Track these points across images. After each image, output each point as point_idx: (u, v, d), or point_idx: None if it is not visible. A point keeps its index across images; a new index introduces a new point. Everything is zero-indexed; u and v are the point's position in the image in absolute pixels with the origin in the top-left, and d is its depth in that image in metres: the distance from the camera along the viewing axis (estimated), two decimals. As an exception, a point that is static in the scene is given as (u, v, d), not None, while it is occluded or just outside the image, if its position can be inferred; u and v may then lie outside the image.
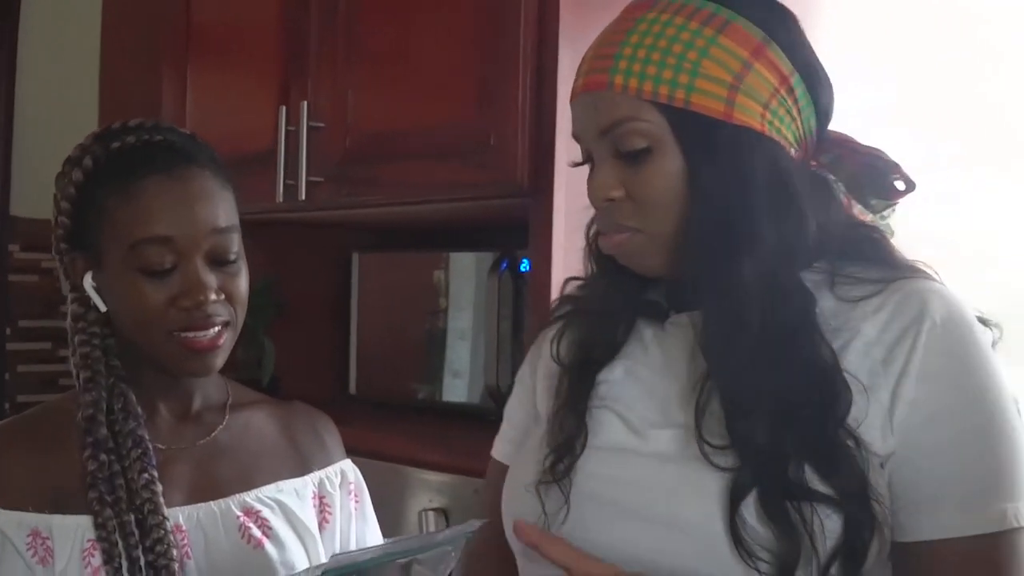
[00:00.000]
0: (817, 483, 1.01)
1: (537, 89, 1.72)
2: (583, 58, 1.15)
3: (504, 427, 1.33)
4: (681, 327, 1.17)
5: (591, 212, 1.25)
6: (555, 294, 1.36)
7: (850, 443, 1.02)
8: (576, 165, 1.18)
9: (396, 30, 1.96)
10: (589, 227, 1.23)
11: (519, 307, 1.98)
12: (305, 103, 2.07)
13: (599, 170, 1.12)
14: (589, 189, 1.12)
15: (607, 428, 1.15)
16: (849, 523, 1.01)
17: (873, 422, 1.04)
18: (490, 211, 1.95)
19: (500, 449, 1.32)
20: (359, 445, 1.50)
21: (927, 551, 1.05)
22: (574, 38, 1.69)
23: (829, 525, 1.00)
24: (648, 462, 1.11)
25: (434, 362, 2.21)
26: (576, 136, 1.16)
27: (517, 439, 1.29)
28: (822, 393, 1.04)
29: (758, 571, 1.01)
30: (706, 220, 1.08)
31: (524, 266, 1.92)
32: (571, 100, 1.16)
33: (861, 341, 1.07)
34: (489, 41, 1.78)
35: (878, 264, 1.12)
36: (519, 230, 1.79)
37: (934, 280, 1.13)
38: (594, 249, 1.24)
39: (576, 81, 1.14)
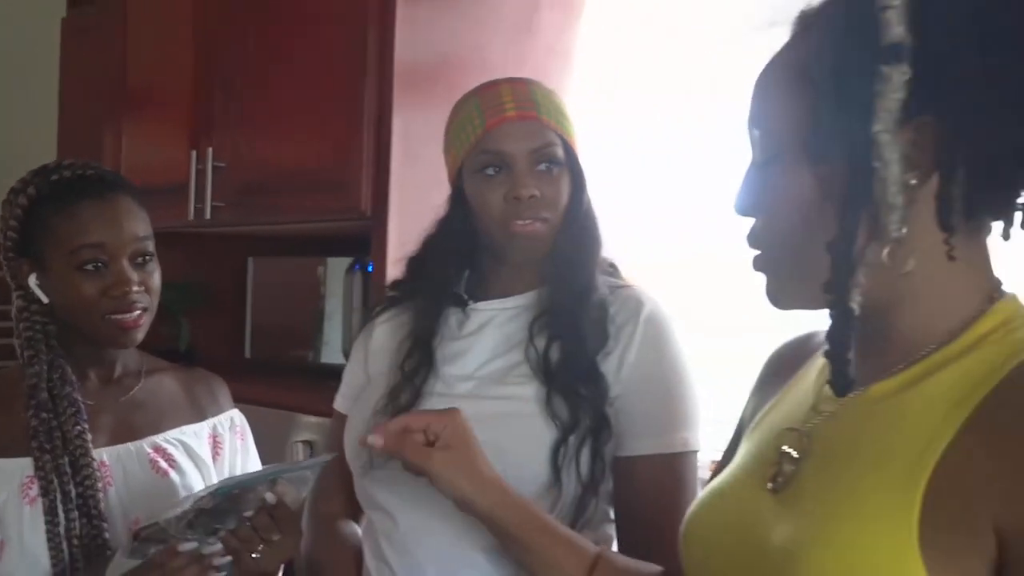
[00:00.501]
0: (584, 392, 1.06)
1: (377, 143, 1.71)
2: (495, 101, 1.12)
3: (342, 387, 1.30)
4: (479, 312, 1.17)
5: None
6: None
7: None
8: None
9: (275, 98, 1.92)
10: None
11: (367, 296, 1.95)
12: (211, 148, 2.01)
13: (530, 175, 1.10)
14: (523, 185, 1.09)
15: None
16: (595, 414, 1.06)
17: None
18: (348, 229, 1.92)
19: (340, 403, 1.30)
20: (251, 396, 1.46)
21: (632, 464, 1.08)
22: (402, 108, 1.70)
23: (589, 415, 1.05)
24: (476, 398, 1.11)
25: (312, 334, 2.16)
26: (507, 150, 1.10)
27: (352, 395, 1.26)
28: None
29: (556, 428, 1.05)
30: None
31: (370, 267, 1.89)
32: (500, 124, 1.11)
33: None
34: (343, 109, 1.75)
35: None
36: (367, 242, 1.77)
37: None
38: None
39: (506, 113, 1.11)
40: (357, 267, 2.01)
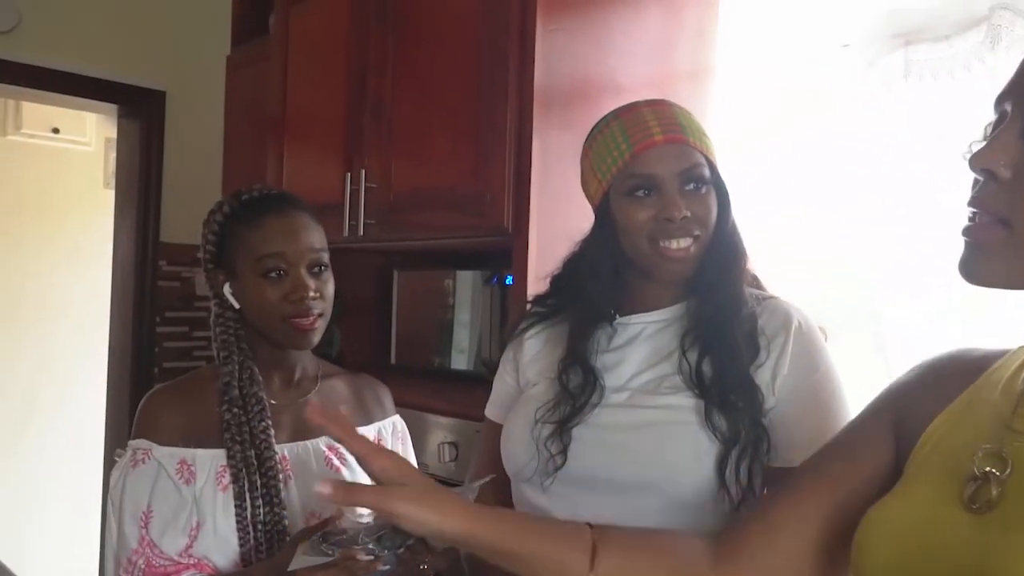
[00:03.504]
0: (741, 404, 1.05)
1: (517, 163, 1.74)
2: (641, 126, 1.12)
3: (493, 396, 1.31)
4: (628, 326, 1.17)
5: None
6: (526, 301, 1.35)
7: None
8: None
9: (422, 122, 1.98)
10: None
11: (504, 308, 2.00)
12: (363, 170, 2.09)
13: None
14: (675, 207, 1.08)
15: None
16: (754, 426, 1.05)
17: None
18: (486, 244, 1.96)
19: (491, 412, 1.30)
20: (395, 398, 1.52)
21: (788, 474, 1.04)
22: (541, 129, 1.73)
23: (747, 427, 1.04)
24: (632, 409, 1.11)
25: (446, 342, 2.22)
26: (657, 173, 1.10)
27: (504, 404, 1.27)
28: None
29: (717, 439, 1.04)
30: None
31: (508, 280, 1.93)
32: (648, 148, 1.11)
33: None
34: (486, 131, 1.79)
35: None
36: (505, 256, 1.80)
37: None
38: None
39: (654, 137, 1.10)
40: (495, 280, 2.06)
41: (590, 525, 0.86)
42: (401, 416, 1.45)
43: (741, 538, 0.85)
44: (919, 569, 0.68)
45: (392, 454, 0.87)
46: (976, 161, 0.65)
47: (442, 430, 1.93)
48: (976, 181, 0.67)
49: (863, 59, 1.72)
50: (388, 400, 1.43)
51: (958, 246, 0.69)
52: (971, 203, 0.67)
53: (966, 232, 0.67)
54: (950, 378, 0.79)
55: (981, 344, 0.84)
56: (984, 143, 0.66)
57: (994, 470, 0.67)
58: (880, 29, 1.67)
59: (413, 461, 1.42)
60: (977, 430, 0.72)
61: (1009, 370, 0.75)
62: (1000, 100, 0.67)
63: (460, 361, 2.19)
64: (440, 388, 2.12)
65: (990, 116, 0.70)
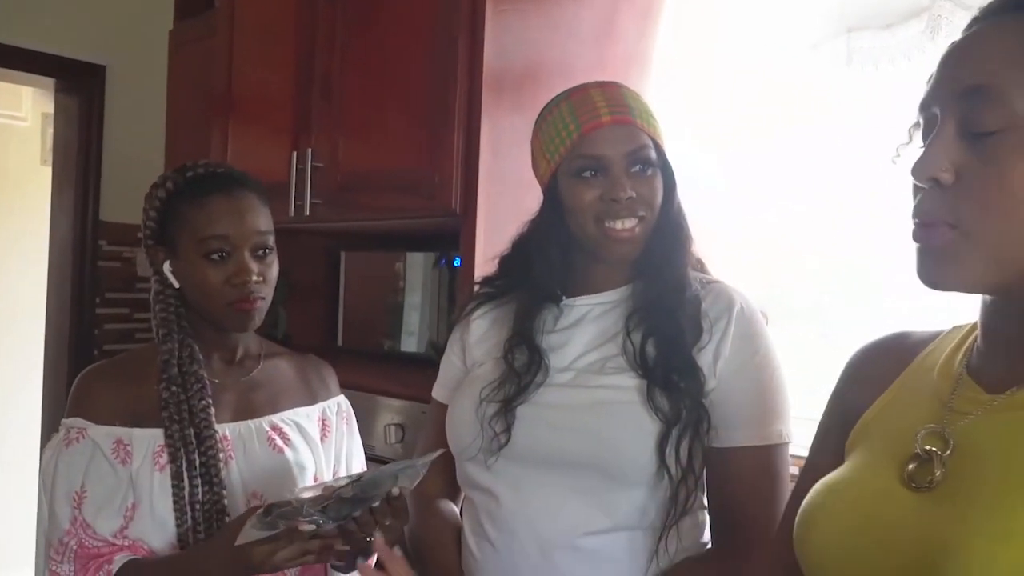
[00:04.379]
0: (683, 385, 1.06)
1: (467, 145, 1.73)
2: (589, 107, 1.11)
3: (440, 377, 1.31)
4: (574, 307, 1.18)
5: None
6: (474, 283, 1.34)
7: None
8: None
9: (370, 101, 1.96)
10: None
11: (452, 290, 1.99)
12: (310, 150, 2.06)
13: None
14: (621, 187, 1.08)
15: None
16: (695, 406, 1.06)
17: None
18: (436, 226, 1.95)
19: (439, 393, 1.30)
20: (343, 380, 1.51)
21: (728, 454, 1.08)
22: (491, 111, 1.72)
23: (688, 407, 1.05)
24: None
25: (394, 324, 2.21)
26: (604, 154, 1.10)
27: (450, 385, 1.27)
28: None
29: (658, 420, 1.05)
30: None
31: (456, 262, 1.92)
32: (596, 129, 1.10)
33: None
34: (435, 112, 1.78)
35: None
36: (454, 238, 1.79)
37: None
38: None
39: (601, 118, 1.10)
40: (443, 261, 2.05)
41: None
42: (348, 398, 1.44)
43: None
44: (861, 544, 0.69)
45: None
46: (920, 172, 0.65)
47: (390, 412, 1.92)
48: (917, 188, 0.67)
49: (807, 42, 1.74)
50: (333, 380, 1.41)
51: (904, 240, 0.69)
52: (915, 213, 0.67)
53: (916, 238, 0.67)
54: (884, 365, 0.81)
55: (915, 327, 0.85)
56: (921, 151, 0.66)
57: (936, 449, 0.68)
58: (825, 13, 1.69)
59: (359, 442, 1.41)
60: (917, 411, 0.73)
61: (944, 352, 0.77)
62: (925, 105, 0.68)
63: (409, 343, 2.18)
64: (388, 370, 2.11)
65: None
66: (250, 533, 1.02)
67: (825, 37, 1.70)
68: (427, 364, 1.90)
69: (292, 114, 2.18)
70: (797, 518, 0.75)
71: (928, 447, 0.69)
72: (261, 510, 1.03)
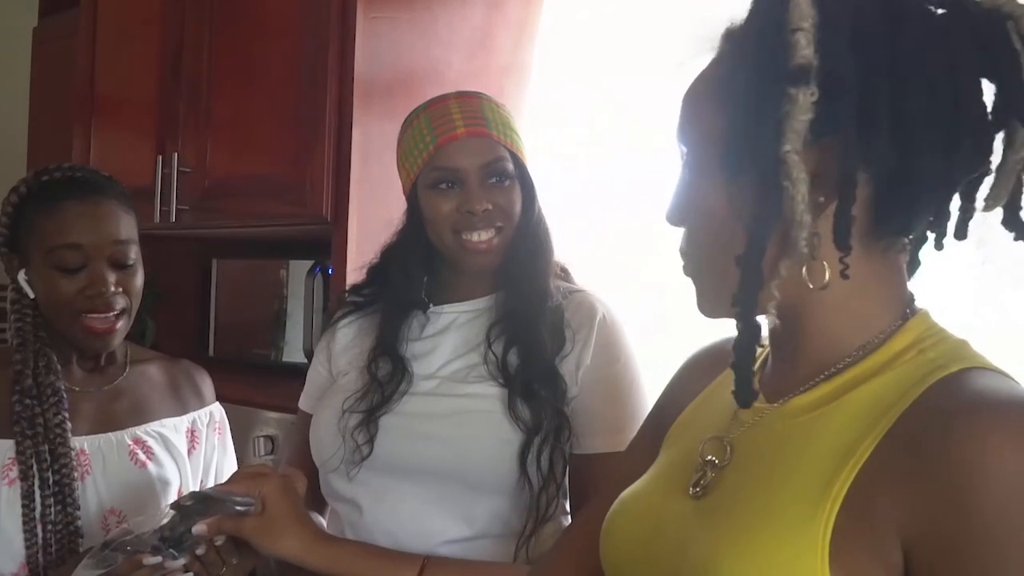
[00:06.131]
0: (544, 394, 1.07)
1: (337, 151, 1.72)
2: (446, 119, 1.13)
3: (306, 387, 1.30)
4: (440, 315, 1.18)
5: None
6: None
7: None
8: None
9: (240, 106, 1.93)
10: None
11: (326, 298, 1.95)
12: (176, 154, 2.01)
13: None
14: (477, 200, 1.10)
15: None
16: (556, 415, 1.07)
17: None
18: (309, 233, 1.93)
19: (304, 403, 1.29)
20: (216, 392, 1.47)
21: (587, 461, 1.10)
22: (362, 118, 1.72)
23: (549, 415, 1.06)
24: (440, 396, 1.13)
25: (268, 333, 2.16)
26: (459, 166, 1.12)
27: (316, 395, 1.26)
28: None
29: (519, 429, 1.05)
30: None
31: (330, 271, 1.91)
32: (451, 141, 1.12)
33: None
34: (305, 118, 1.77)
35: None
36: (328, 246, 1.78)
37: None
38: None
39: (456, 131, 1.11)
40: (318, 270, 2.02)
41: (425, 557, 1.02)
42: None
43: (554, 569, 0.88)
44: (642, 553, 0.70)
45: (265, 481, 1.01)
46: (668, 219, 0.71)
47: (261, 424, 1.88)
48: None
49: (673, 59, 1.80)
50: (208, 387, 1.37)
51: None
52: (680, 251, 0.72)
53: (685, 273, 0.72)
54: (704, 371, 0.83)
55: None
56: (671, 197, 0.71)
57: (714, 458, 0.69)
58: (691, 33, 1.76)
59: (232, 454, 1.38)
60: (712, 419, 0.75)
61: None
62: (678, 139, 0.71)
63: (284, 353, 2.14)
64: (261, 381, 2.07)
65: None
66: (82, 574, 0.97)
67: (690, 55, 1.77)
68: (302, 374, 1.87)
69: (157, 117, 2.12)
70: (604, 523, 0.77)
71: (708, 456, 0.70)
72: (99, 544, 0.99)
